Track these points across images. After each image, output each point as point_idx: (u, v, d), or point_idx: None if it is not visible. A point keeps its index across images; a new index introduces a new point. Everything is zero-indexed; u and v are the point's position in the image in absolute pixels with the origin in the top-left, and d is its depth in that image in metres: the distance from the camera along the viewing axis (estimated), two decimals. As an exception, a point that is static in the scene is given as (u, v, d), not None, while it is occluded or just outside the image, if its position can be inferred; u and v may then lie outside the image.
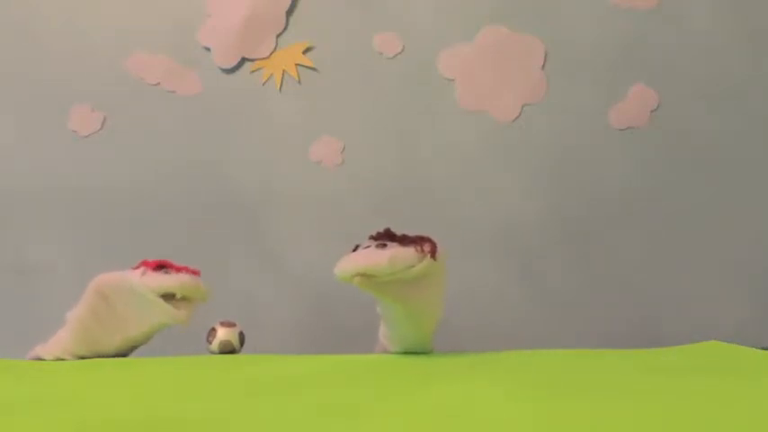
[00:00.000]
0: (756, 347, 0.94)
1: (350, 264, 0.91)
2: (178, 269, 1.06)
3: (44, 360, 1.07)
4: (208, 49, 1.57)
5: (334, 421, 0.53)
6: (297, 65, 1.56)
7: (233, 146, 1.56)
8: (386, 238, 0.95)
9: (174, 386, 0.76)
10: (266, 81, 1.57)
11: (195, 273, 1.08)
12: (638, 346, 1.11)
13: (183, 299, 1.05)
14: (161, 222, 1.54)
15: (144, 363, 0.97)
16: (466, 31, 1.55)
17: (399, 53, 1.56)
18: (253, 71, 1.57)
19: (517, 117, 1.53)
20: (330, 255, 1.33)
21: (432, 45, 1.55)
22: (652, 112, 1.51)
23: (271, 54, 1.57)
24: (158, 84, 1.57)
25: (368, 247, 0.94)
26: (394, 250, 0.91)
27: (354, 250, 0.96)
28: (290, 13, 1.57)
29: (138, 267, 1.07)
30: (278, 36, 1.57)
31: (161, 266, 1.05)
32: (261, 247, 1.53)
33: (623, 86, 1.52)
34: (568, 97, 1.53)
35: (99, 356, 1.07)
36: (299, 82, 1.57)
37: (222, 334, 1.15)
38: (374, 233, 0.97)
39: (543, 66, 1.54)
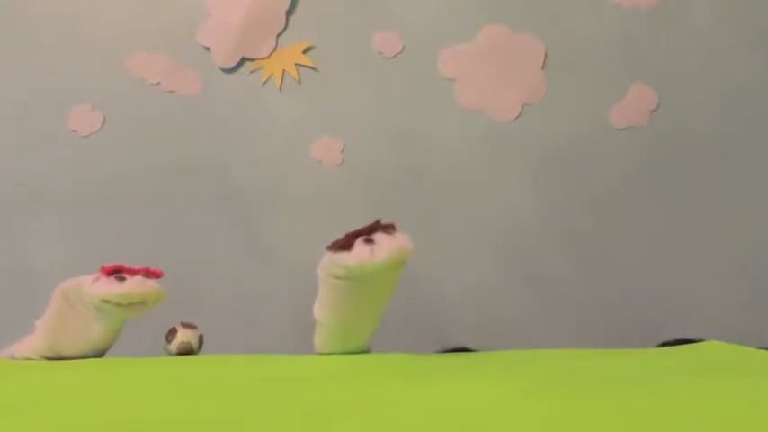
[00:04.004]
0: (756, 347, 0.94)
1: (398, 246, 0.91)
2: (135, 272, 1.05)
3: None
4: (208, 49, 1.57)
5: (336, 421, 0.53)
6: (297, 65, 1.56)
7: (233, 146, 1.56)
8: (366, 232, 0.95)
9: (173, 386, 0.75)
10: (266, 81, 1.57)
11: (155, 274, 1.07)
12: (637, 345, 1.11)
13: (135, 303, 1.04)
14: (161, 222, 1.54)
15: (142, 363, 0.97)
16: (466, 31, 1.55)
17: (399, 53, 1.56)
18: (253, 71, 1.57)
19: (517, 117, 1.53)
20: (330, 255, 1.32)
21: (432, 45, 1.55)
22: (652, 111, 1.51)
23: (271, 54, 1.56)
24: (158, 84, 1.57)
25: (352, 241, 0.94)
26: (402, 236, 0.93)
27: (338, 249, 0.95)
28: (290, 12, 1.57)
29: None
30: (278, 36, 1.57)
31: (116, 271, 1.04)
32: (261, 247, 1.53)
33: (623, 86, 1.52)
34: (568, 97, 1.53)
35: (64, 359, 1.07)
36: (299, 82, 1.57)
37: (182, 335, 1.14)
38: (346, 237, 0.95)
39: (543, 66, 1.54)
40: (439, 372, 0.82)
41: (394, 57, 1.56)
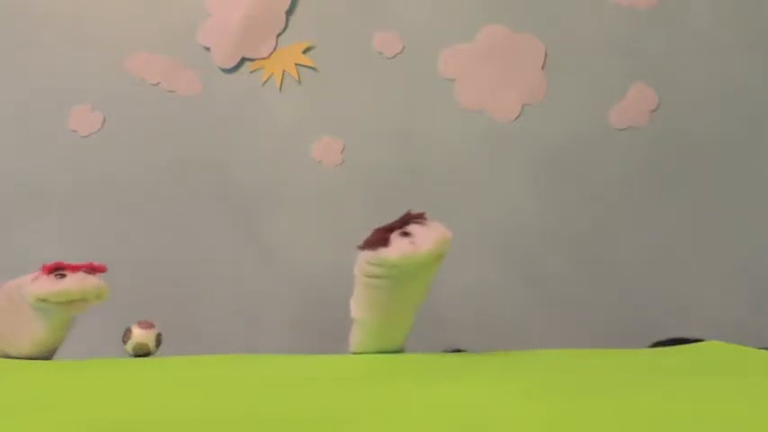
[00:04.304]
0: (756, 347, 0.94)
1: (439, 235, 0.87)
2: (76, 268, 1.03)
3: None
4: (208, 49, 1.57)
5: (336, 421, 0.53)
6: (297, 65, 1.56)
7: (233, 146, 1.56)
8: (399, 225, 0.91)
9: (173, 386, 0.75)
10: (266, 81, 1.57)
11: (98, 269, 1.05)
12: (638, 345, 1.11)
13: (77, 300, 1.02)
14: (161, 221, 1.54)
15: (143, 363, 0.97)
16: (466, 31, 1.55)
17: (399, 53, 1.56)
18: (253, 71, 1.57)
19: (517, 117, 1.53)
20: (329, 254, 1.32)
21: (432, 45, 1.55)
22: (652, 111, 1.51)
23: (271, 54, 1.56)
24: (158, 84, 1.57)
25: (387, 236, 0.89)
26: (437, 224, 0.89)
27: (373, 247, 0.90)
28: (290, 12, 1.57)
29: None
30: (278, 36, 1.57)
31: (56, 269, 1.03)
32: (261, 247, 1.53)
33: (623, 86, 1.52)
34: (568, 97, 1.53)
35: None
36: (299, 82, 1.57)
37: (138, 336, 1.09)
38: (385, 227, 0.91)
39: (543, 66, 1.54)
40: (440, 372, 0.82)
41: (394, 57, 1.56)
